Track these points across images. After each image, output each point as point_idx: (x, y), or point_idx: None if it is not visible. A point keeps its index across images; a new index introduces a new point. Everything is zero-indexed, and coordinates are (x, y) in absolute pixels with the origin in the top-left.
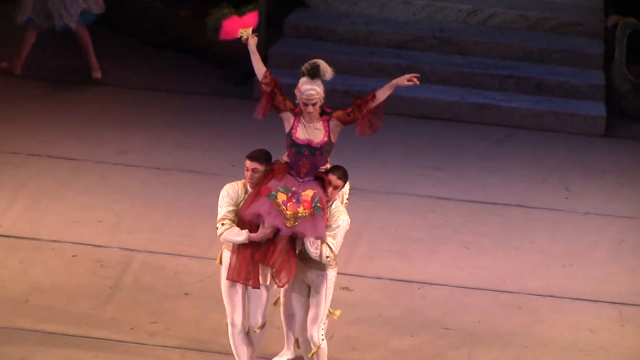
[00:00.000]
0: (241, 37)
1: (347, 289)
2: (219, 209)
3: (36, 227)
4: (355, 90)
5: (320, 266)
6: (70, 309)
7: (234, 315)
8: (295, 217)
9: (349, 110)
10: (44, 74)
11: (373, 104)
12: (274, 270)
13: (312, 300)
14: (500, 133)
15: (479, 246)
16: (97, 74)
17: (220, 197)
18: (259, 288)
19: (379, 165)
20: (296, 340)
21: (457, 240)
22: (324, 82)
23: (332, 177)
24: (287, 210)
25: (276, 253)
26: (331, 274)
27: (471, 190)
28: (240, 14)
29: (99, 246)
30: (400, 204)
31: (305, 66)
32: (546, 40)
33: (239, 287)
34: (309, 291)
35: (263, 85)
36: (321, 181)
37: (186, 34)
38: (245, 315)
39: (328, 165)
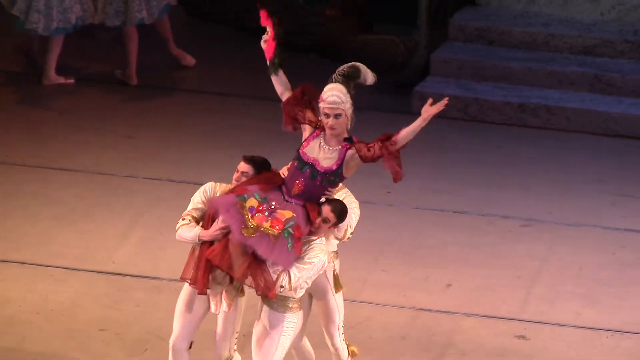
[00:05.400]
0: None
1: (524, 337)
2: (189, 205)
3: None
4: (533, 104)
5: (277, 307)
6: None
7: (180, 335)
8: (256, 229)
9: (371, 144)
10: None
11: (397, 142)
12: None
13: (264, 341)
14: None
15: None
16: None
17: (195, 194)
18: (205, 294)
19: (561, 191)
20: None
21: None
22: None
23: (326, 208)
24: (250, 218)
25: (227, 252)
26: (291, 319)
27: None
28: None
29: None
30: (586, 238)
31: (338, 71)
32: None
33: (200, 308)
34: None
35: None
36: (308, 211)
37: (332, 35)
38: (190, 339)
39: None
